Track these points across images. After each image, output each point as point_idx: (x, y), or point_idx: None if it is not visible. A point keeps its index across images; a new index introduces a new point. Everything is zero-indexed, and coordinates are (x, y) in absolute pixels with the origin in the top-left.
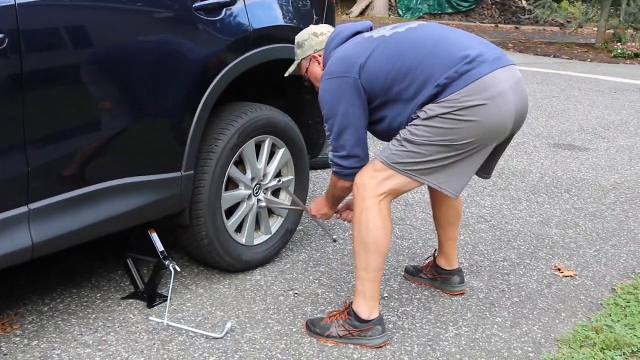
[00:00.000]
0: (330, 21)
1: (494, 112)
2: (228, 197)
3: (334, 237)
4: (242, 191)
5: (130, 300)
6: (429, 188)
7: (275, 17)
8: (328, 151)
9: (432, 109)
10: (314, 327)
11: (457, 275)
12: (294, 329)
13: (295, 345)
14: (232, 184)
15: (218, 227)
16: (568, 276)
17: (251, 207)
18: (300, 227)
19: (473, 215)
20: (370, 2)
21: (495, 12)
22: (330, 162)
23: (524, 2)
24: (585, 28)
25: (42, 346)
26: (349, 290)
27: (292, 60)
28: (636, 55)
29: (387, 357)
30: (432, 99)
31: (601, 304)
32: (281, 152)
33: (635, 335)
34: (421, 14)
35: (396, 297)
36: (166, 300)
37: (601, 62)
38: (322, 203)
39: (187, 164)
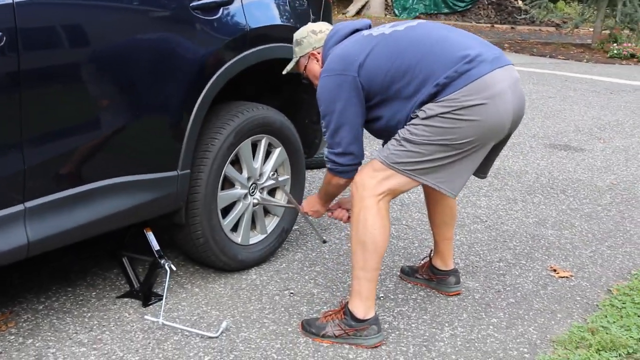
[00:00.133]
0: (327, 20)
1: (493, 111)
2: (224, 197)
3: (324, 238)
4: (238, 190)
5: (126, 299)
6: (424, 188)
7: (273, 16)
8: (324, 149)
9: (431, 108)
10: (309, 327)
11: (453, 276)
12: (289, 329)
13: (291, 345)
14: (228, 184)
15: (214, 226)
16: (564, 277)
17: (247, 206)
18: (296, 227)
19: (469, 215)
20: (366, 2)
21: (491, 12)
22: (326, 159)
23: (520, 2)
24: (581, 28)
25: (37, 345)
26: (344, 290)
27: (289, 60)
28: (632, 56)
29: (383, 357)
30: (432, 98)
31: (597, 305)
32: (277, 152)
33: (631, 337)
34: (417, 13)
35: (392, 297)
36: (161, 299)
37: (597, 62)
38: (314, 201)
39: (184, 163)
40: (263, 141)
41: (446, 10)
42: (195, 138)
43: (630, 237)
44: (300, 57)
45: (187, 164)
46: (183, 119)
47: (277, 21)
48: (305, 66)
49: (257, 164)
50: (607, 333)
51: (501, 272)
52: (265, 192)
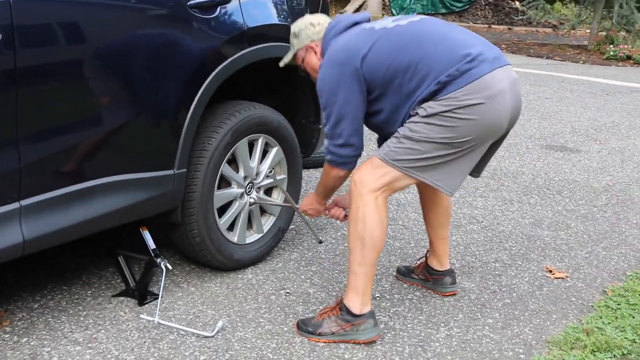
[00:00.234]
0: None
1: (492, 111)
2: (220, 196)
3: (320, 238)
4: (235, 190)
5: (121, 298)
6: (419, 188)
7: (270, 15)
8: (322, 149)
9: (432, 106)
10: (305, 326)
11: (448, 276)
12: (285, 329)
13: (287, 344)
14: (224, 183)
15: (210, 225)
16: (559, 278)
17: (243, 205)
18: (293, 227)
19: (465, 216)
20: (364, 1)
21: (488, 12)
22: (325, 151)
23: (517, 3)
24: (578, 30)
25: (32, 343)
26: (340, 290)
27: None
28: (628, 57)
29: (379, 357)
30: (433, 95)
31: (592, 306)
32: (274, 151)
33: (625, 338)
34: (414, 13)
35: (388, 297)
36: (157, 298)
37: (594, 64)
38: (312, 199)
39: (180, 162)
40: (260, 140)
41: (443, 11)
42: (192, 137)
43: (626, 238)
44: (297, 49)
45: (184, 163)
46: (180, 118)
47: (275, 20)
48: (303, 59)
49: (254, 163)
50: (602, 334)
51: (497, 272)
52: (262, 192)
